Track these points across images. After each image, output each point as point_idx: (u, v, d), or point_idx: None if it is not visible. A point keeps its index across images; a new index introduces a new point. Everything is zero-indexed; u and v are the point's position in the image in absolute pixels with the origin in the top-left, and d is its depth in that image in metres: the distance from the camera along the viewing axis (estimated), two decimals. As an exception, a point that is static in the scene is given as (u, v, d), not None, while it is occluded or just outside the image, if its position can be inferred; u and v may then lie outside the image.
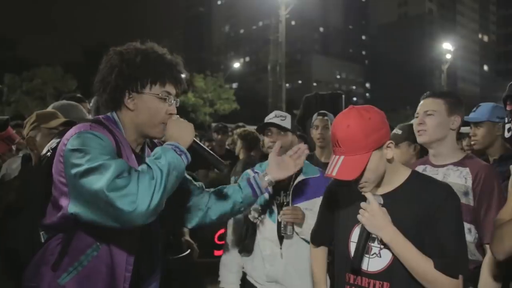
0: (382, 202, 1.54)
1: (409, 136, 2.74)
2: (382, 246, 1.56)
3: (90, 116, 3.23)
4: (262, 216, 2.45)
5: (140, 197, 1.27)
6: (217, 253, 4.02)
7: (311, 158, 3.48)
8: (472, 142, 2.69)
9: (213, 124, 8.09)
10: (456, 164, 2.09)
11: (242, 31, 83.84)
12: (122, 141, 1.55)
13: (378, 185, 1.61)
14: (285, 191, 2.46)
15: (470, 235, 2.01)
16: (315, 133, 3.46)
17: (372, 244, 1.59)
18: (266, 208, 2.44)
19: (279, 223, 2.39)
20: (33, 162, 2.30)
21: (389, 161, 1.56)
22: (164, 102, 1.56)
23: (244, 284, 2.58)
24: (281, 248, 2.40)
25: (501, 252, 1.57)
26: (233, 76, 47.95)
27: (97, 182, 1.28)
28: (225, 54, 78.55)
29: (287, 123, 2.51)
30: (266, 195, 2.46)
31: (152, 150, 1.72)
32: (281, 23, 20.56)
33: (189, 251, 2.93)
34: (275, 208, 2.44)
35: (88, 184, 1.29)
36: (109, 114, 1.61)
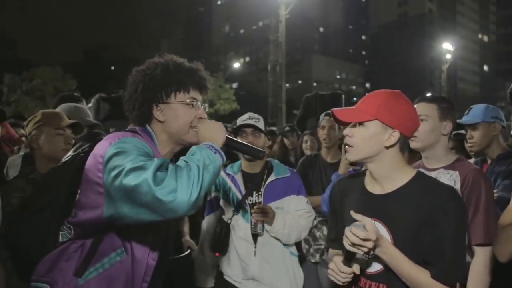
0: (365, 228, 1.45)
1: None
2: None
3: (91, 117, 3.25)
4: (236, 216, 2.55)
5: (180, 188, 1.29)
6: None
7: (316, 158, 3.50)
8: (470, 145, 2.70)
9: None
10: (447, 167, 2.11)
11: (242, 31, 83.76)
12: (155, 154, 1.55)
13: (381, 183, 1.60)
14: (257, 191, 2.57)
15: None
16: (321, 133, 3.48)
17: None
18: (239, 209, 2.55)
19: (252, 223, 2.49)
20: (35, 161, 2.30)
21: (387, 147, 1.55)
22: (192, 108, 1.61)
23: (221, 284, 2.65)
24: (255, 247, 2.49)
25: (504, 255, 1.58)
26: (233, 76, 47.96)
27: (140, 176, 1.30)
28: (225, 54, 78.56)
29: (261, 124, 2.60)
30: (239, 196, 2.56)
31: None
32: (281, 23, 20.54)
33: (189, 251, 2.94)
34: (248, 208, 2.54)
35: (130, 181, 1.31)
36: (144, 127, 1.63)
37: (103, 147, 1.44)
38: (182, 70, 1.61)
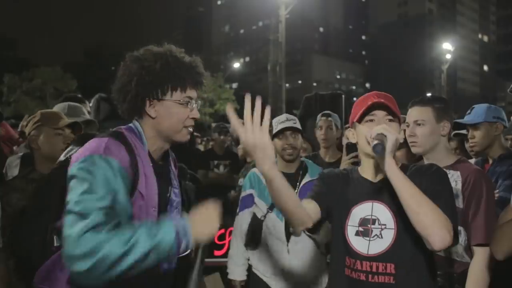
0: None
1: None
2: (383, 227, 1.56)
3: (90, 117, 3.23)
4: (270, 214, 2.60)
5: (94, 270, 1.22)
6: (217, 253, 4.02)
7: (315, 157, 3.50)
8: (471, 144, 2.68)
9: (213, 124, 8.07)
10: (448, 167, 2.09)
11: (242, 31, 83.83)
12: (142, 154, 1.49)
13: (377, 171, 1.64)
14: None
15: (460, 237, 2.02)
16: (319, 134, 3.50)
17: (372, 226, 1.58)
18: (273, 207, 2.58)
19: (286, 222, 2.48)
20: (35, 161, 2.30)
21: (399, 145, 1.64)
22: (186, 107, 1.53)
23: (249, 276, 2.71)
24: (287, 245, 2.53)
25: (500, 252, 1.59)
26: (233, 76, 47.96)
27: (72, 227, 1.25)
28: (225, 54, 78.46)
29: (298, 125, 2.65)
30: None
31: (173, 161, 1.71)
32: (281, 23, 20.53)
33: (189, 251, 2.93)
34: None
35: (66, 223, 1.27)
36: (131, 124, 1.56)
37: (73, 160, 1.40)
38: (182, 67, 1.52)
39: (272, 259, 2.58)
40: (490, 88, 78.94)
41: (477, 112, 2.63)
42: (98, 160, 1.35)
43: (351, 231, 1.62)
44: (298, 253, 2.54)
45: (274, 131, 2.65)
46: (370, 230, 1.59)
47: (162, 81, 1.49)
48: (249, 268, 2.72)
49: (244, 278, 2.71)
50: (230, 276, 2.73)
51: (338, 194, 1.71)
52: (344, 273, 1.62)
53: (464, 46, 76.43)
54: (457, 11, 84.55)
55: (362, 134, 1.62)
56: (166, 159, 1.66)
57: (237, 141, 6.29)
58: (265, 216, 2.61)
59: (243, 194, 2.76)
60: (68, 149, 1.66)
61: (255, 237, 2.62)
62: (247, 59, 78.27)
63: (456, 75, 76.51)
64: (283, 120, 2.64)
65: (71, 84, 28.17)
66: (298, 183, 2.61)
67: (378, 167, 1.60)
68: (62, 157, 1.66)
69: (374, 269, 1.56)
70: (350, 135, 1.71)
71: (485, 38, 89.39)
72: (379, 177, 1.64)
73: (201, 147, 7.82)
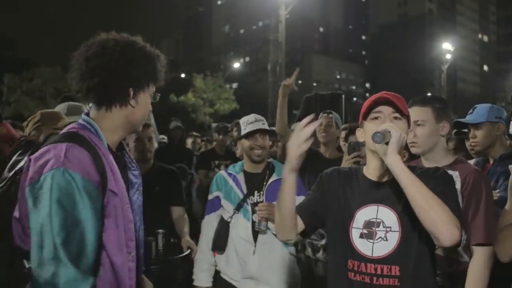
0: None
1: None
2: (388, 229, 1.56)
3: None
4: (236, 215, 2.57)
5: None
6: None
7: (316, 155, 3.51)
8: (473, 144, 2.68)
9: (213, 124, 8.08)
10: (446, 167, 2.06)
11: (242, 31, 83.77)
12: (103, 151, 1.44)
13: (382, 172, 1.63)
14: (259, 190, 2.58)
15: None
16: (319, 130, 3.51)
17: (376, 229, 1.58)
18: (240, 208, 2.56)
19: (253, 222, 2.50)
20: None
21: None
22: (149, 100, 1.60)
23: (218, 282, 2.66)
24: (255, 246, 2.50)
25: (505, 255, 1.58)
26: (233, 76, 47.90)
27: (33, 254, 1.27)
28: (225, 54, 78.44)
29: (266, 126, 2.63)
30: (241, 195, 2.56)
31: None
32: (281, 23, 20.56)
33: (189, 251, 2.93)
34: (249, 208, 2.55)
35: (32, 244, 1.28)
36: (82, 121, 1.49)
37: (31, 173, 1.31)
38: (161, 62, 1.57)
39: (240, 262, 2.52)
40: (490, 88, 78.95)
41: (479, 112, 2.63)
42: (59, 177, 1.29)
43: (355, 233, 1.61)
44: (266, 254, 2.50)
45: (243, 132, 2.61)
46: (374, 232, 1.58)
47: (154, 73, 1.54)
48: (217, 274, 2.67)
49: (210, 284, 2.66)
50: (195, 283, 2.69)
51: (340, 195, 1.69)
52: (347, 276, 1.60)
53: (464, 46, 76.40)
54: (457, 11, 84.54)
55: (368, 132, 1.60)
56: (121, 147, 1.64)
57: (235, 141, 6.29)
58: (231, 217, 2.57)
59: (209, 197, 2.72)
60: (14, 159, 1.56)
61: (222, 240, 2.57)
62: (247, 59, 78.17)
63: (456, 75, 76.47)
64: (252, 121, 2.61)
65: (71, 84, 28.12)
66: (265, 182, 2.59)
67: (384, 167, 1.58)
68: (6, 173, 1.53)
69: (378, 271, 1.55)
70: (359, 135, 1.70)
71: (485, 38, 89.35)
72: (385, 177, 1.63)
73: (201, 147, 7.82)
